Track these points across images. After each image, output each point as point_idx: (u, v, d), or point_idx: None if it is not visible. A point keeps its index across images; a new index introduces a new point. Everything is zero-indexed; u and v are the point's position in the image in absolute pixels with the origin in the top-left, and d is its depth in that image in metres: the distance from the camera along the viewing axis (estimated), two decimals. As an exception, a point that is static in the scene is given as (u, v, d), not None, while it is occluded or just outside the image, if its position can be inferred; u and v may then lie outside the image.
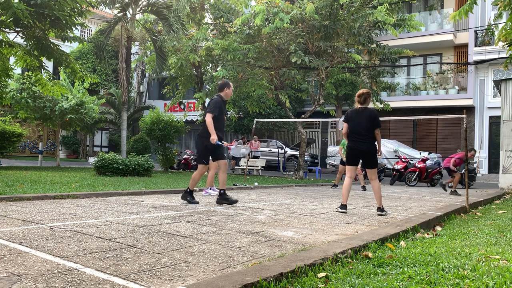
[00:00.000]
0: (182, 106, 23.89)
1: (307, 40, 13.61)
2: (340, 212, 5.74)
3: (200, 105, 17.51)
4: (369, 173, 5.86)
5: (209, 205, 6.14)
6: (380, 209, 5.70)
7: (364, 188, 11.08)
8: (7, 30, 11.01)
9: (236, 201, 6.29)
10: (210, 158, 6.50)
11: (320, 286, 2.40)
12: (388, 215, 5.61)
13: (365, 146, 5.76)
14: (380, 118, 10.49)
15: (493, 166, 19.34)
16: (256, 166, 16.99)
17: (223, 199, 6.23)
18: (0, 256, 2.77)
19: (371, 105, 16.11)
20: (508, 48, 9.71)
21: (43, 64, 12.14)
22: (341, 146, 11.58)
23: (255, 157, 18.45)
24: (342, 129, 6.37)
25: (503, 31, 8.86)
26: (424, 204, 7.46)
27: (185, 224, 4.34)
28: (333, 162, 19.02)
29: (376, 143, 5.84)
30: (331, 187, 11.48)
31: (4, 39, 11.21)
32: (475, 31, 19.74)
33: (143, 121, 16.51)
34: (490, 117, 19.89)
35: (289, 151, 20.38)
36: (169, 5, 15.41)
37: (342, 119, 6.76)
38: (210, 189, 7.88)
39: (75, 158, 27.03)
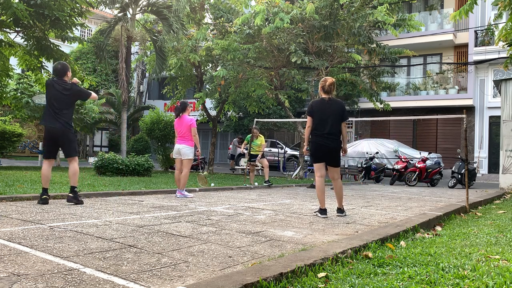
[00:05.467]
0: (182, 106, 23.81)
1: (307, 40, 13.61)
2: (320, 217, 5.23)
3: (200, 105, 17.51)
4: (333, 172, 5.35)
5: (209, 205, 6.14)
6: (340, 210, 5.37)
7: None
8: (7, 30, 11.02)
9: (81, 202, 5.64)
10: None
11: (320, 286, 2.40)
12: (347, 216, 5.32)
13: (334, 142, 5.24)
14: (380, 118, 10.47)
15: (493, 166, 19.33)
16: (256, 166, 16.97)
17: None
18: (0, 256, 2.77)
19: (371, 105, 16.12)
20: (508, 48, 9.72)
21: (43, 64, 12.15)
22: (246, 141, 11.13)
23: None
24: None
25: (503, 31, 8.87)
26: (424, 204, 7.46)
27: (185, 224, 4.33)
28: None
29: (341, 139, 5.35)
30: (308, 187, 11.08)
31: (5, 39, 11.21)
32: (475, 31, 19.73)
33: (143, 121, 16.52)
34: (490, 117, 19.89)
35: (289, 151, 20.38)
36: (169, 5, 15.41)
37: None
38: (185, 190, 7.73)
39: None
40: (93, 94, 5.91)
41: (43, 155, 5.77)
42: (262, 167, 17.07)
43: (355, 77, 14.97)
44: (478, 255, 3.30)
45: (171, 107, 21.61)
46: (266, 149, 20.80)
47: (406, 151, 17.32)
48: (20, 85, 14.65)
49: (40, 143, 18.02)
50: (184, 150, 7.29)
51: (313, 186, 10.66)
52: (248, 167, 11.47)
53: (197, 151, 7.42)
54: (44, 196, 5.48)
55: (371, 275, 2.68)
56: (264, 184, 10.73)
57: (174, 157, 7.52)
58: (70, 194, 5.61)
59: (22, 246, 3.05)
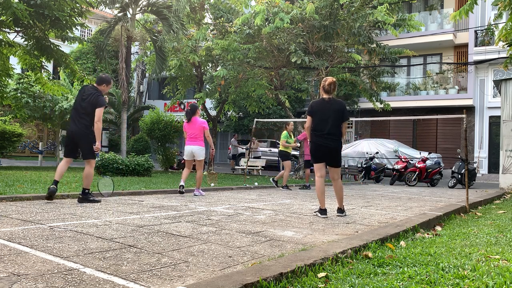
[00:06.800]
0: (182, 106, 23.89)
1: (307, 40, 13.61)
2: (320, 217, 5.20)
3: (200, 105, 17.52)
4: (334, 172, 5.33)
5: (209, 205, 6.14)
6: (341, 210, 5.39)
7: None
8: (7, 30, 11.01)
9: (98, 201, 5.90)
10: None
11: (320, 286, 2.40)
12: (346, 216, 5.36)
13: (334, 143, 5.20)
14: (380, 118, 10.45)
15: (493, 166, 19.33)
16: (256, 166, 17.00)
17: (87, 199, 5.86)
18: (0, 256, 2.77)
19: (370, 105, 16.12)
20: (508, 48, 9.72)
21: (43, 64, 12.15)
22: (284, 138, 10.16)
23: (256, 157, 18.45)
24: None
25: (503, 31, 8.87)
26: (424, 204, 7.46)
27: (185, 224, 4.33)
28: None
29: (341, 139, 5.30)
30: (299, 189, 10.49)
31: (4, 39, 11.20)
32: (475, 31, 19.73)
33: (143, 121, 16.52)
34: (490, 117, 19.89)
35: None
36: (169, 5, 15.41)
37: None
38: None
39: (75, 158, 26.98)
40: (99, 113, 5.69)
41: (63, 153, 6.13)
42: (261, 167, 17.14)
43: (355, 77, 14.98)
44: (478, 255, 3.30)
45: (171, 107, 21.63)
46: (266, 149, 20.85)
47: (406, 151, 17.33)
48: (20, 85, 14.63)
49: (40, 143, 18.03)
50: (198, 151, 7.73)
51: (305, 187, 10.59)
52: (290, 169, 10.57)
53: (212, 149, 8.09)
54: (53, 186, 5.60)
55: (371, 275, 2.68)
56: (285, 188, 10.02)
57: (186, 158, 7.90)
58: (80, 196, 5.86)
59: (22, 246, 3.05)
